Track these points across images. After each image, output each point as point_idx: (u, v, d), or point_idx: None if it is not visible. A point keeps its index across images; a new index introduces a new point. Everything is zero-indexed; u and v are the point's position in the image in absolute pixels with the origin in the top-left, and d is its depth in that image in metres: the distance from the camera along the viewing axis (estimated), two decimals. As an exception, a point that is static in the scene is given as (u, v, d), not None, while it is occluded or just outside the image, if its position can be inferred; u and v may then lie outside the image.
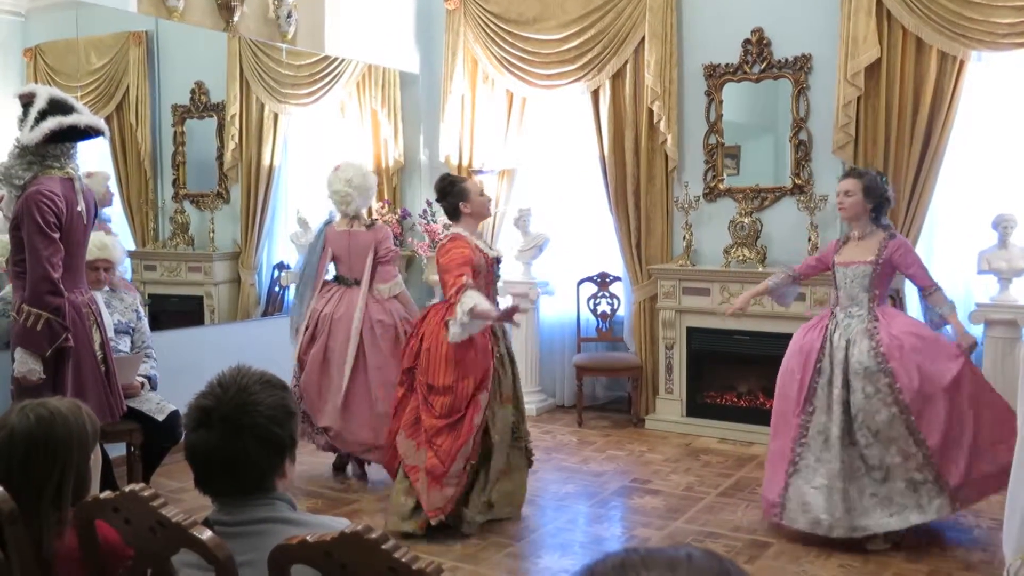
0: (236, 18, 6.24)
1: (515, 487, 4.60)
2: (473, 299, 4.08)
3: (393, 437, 4.52)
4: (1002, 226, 5.37)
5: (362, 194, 5.27)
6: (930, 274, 4.37)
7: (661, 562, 0.79)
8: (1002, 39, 5.38)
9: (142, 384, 4.71)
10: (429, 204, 7.40)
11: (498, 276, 4.61)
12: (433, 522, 4.30)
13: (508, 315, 4.18)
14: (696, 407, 6.41)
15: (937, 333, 4.32)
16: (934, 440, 4.06)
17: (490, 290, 4.44)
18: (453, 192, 4.47)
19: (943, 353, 4.16)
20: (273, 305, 6.92)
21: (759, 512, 4.65)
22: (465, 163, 7.37)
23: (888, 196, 4.37)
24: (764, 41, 6.22)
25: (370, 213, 5.61)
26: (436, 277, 7.45)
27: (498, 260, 4.58)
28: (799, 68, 6.11)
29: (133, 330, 4.86)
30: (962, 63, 5.54)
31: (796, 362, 4.37)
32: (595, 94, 6.76)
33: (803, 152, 6.13)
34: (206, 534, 1.67)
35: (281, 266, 6.99)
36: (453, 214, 4.51)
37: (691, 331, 6.41)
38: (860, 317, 4.28)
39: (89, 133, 3.85)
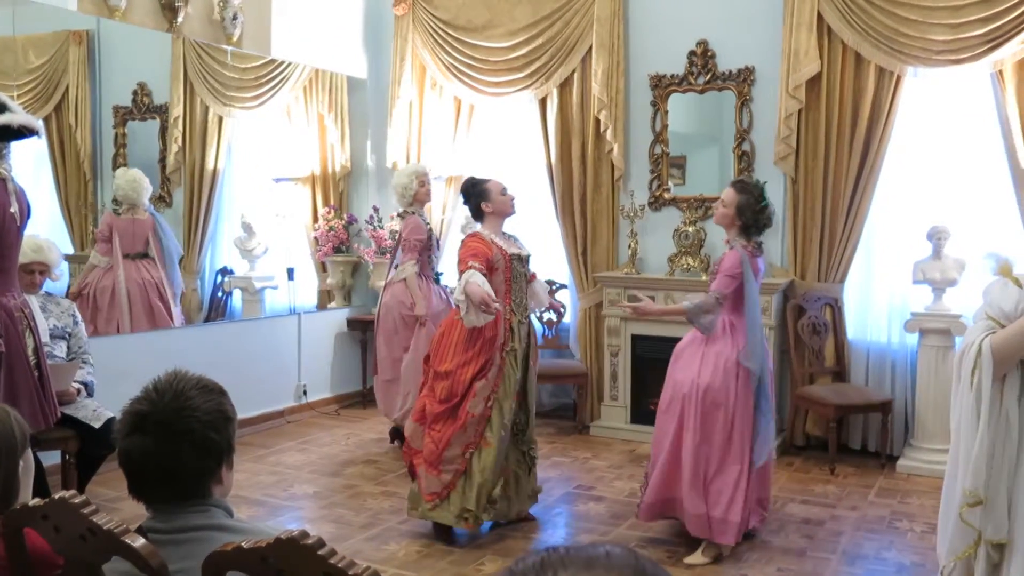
0: (180, 19, 6.15)
1: (514, 493, 4.62)
2: (467, 277, 4.18)
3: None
4: (936, 237, 5.51)
5: (394, 191, 6.03)
6: (722, 284, 4.16)
7: (579, 560, 0.80)
8: (936, 56, 5.54)
9: (78, 390, 4.61)
10: (376, 210, 7.37)
11: (523, 273, 4.64)
12: (429, 506, 4.39)
13: (484, 303, 4.12)
14: (640, 414, 6.46)
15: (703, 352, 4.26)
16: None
17: (509, 286, 4.51)
18: (475, 193, 4.60)
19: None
20: (216, 310, 6.82)
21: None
22: (413, 169, 7.35)
23: (760, 222, 4.28)
24: (709, 53, 6.32)
25: (412, 203, 5.93)
26: (382, 283, 7.46)
27: (520, 257, 4.60)
28: (743, 80, 6.22)
29: (69, 335, 4.75)
30: (899, 78, 5.68)
31: None
32: (543, 102, 6.80)
33: (746, 163, 6.23)
34: (139, 541, 1.64)
35: (225, 271, 6.90)
36: (477, 214, 4.65)
37: (636, 338, 6.46)
38: None
39: (23, 133, 3.75)
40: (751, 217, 4.25)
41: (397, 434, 6.11)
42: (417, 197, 5.90)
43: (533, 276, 4.84)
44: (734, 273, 4.15)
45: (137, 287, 5.99)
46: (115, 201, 5.98)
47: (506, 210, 4.62)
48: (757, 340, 4.20)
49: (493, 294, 4.22)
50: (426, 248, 5.92)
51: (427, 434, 4.44)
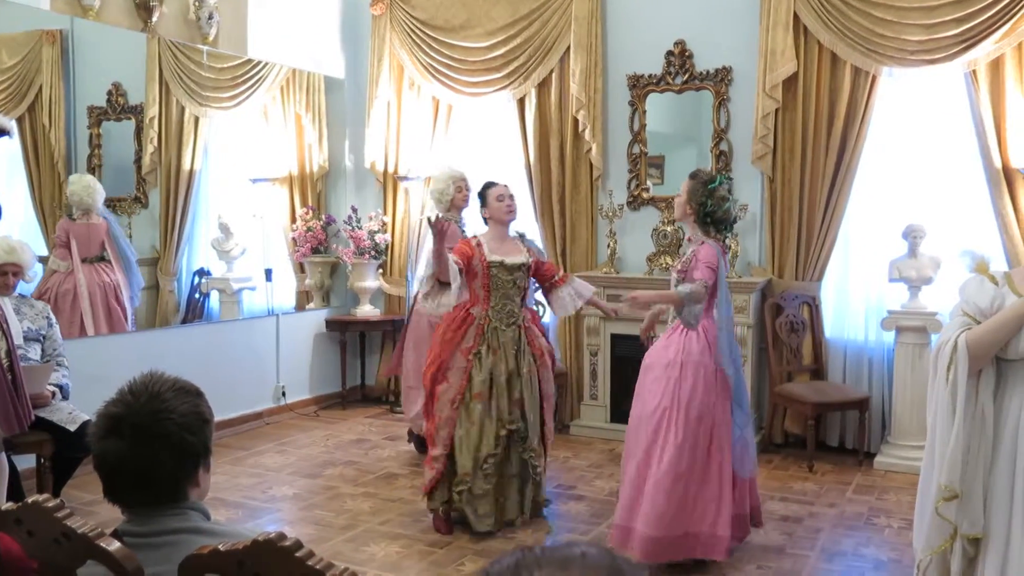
0: (155, 18, 6.10)
1: (504, 500, 4.61)
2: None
3: None
4: (912, 236, 5.55)
5: (431, 196, 5.90)
6: (707, 275, 3.95)
7: (555, 560, 0.79)
8: (911, 56, 5.59)
9: (53, 393, 4.56)
10: (354, 210, 7.34)
11: (510, 281, 4.58)
12: (422, 498, 4.70)
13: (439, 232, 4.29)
14: (620, 413, 6.44)
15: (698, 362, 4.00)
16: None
17: (488, 292, 4.55)
18: (480, 197, 4.75)
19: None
20: (193, 312, 6.77)
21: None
22: (391, 170, 7.34)
23: (708, 206, 4.05)
24: (686, 53, 6.34)
25: (450, 209, 5.74)
26: (361, 284, 7.44)
27: (503, 264, 4.55)
28: (720, 80, 6.24)
29: (44, 337, 4.70)
30: (874, 78, 5.73)
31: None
32: (521, 102, 6.80)
33: (724, 162, 6.25)
34: (114, 545, 1.62)
35: (202, 272, 6.85)
36: (484, 221, 4.76)
37: (615, 338, 6.47)
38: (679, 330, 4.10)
39: (-4, 133, 3.72)
40: (700, 199, 4.06)
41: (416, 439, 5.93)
42: (454, 202, 5.71)
43: (562, 279, 4.77)
44: (714, 265, 3.97)
45: (99, 289, 5.95)
46: (71, 206, 5.88)
47: (500, 217, 4.64)
48: (725, 341, 4.05)
49: (457, 273, 4.41)
50: None
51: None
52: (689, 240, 4.22)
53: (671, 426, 3.95)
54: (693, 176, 4.17)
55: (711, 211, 4.07)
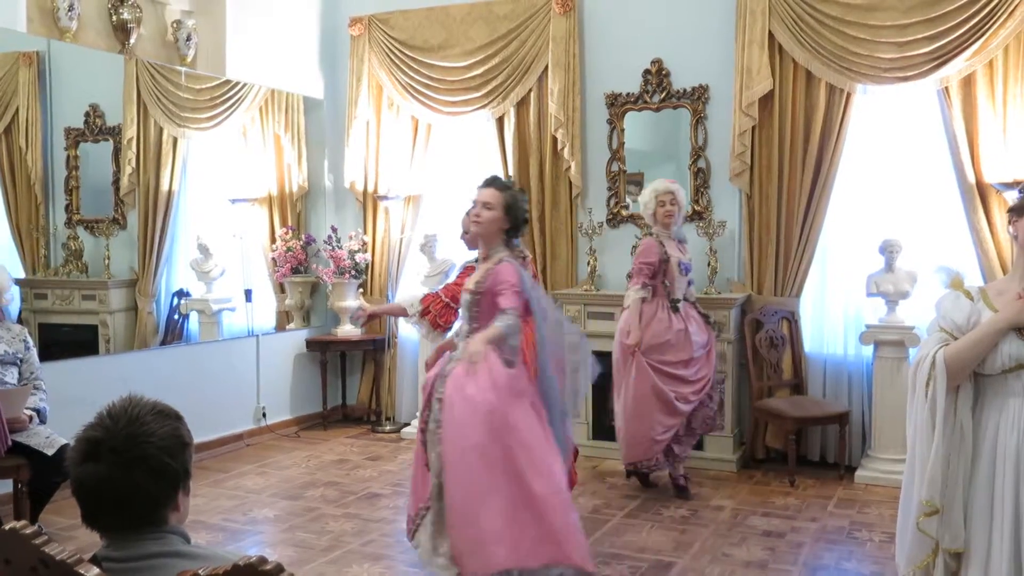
0: (132, 40, 6.10)
1: None
2: None
3: None
4: (888, 251, 5.61)
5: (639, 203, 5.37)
6: (514, 299, 3.65)
7: None
8: (884, 73, 5.66)
9: (30, 417, 4.51)
10: (334, 230, 7.33)
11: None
12: None
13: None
14: (602, 430, 6.46)
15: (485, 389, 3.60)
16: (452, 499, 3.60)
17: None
18: None
19: (479, 410, 3.57)
20: (172, 334, 6.72)
21: (664, 533, 4.72)
22: (371, 189, 7.34)
23: (526, 219, 3.84)
24: (664, 72, 6.39)
25: (656, 223, 5.45)
26: (341, 303, 7.42)
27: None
28: (697, 98, 6.30)
29: (21, 361, 4.65)
30: (849, 95, 5.80)
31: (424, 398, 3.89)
32: (500, 121, 6.82)
33: (702, 179, 6.30)
34: (93, 572, 1.60)
35: (181, 293, 6.81)
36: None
37: (596, 355, 6.44)
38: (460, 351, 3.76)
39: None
40: (518, 216, 3.77)
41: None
42: (656, 217, 5.41)
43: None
44: (519, 287, 3.66)
45: None
46: None
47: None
48: (549, 360, 3.89)
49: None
50: (660, 272, 5.34)
51: None
52: (484, 259, 3.82)
53: None
54: (502, 188, 3.78)
55: (525, 219, 3.83)
